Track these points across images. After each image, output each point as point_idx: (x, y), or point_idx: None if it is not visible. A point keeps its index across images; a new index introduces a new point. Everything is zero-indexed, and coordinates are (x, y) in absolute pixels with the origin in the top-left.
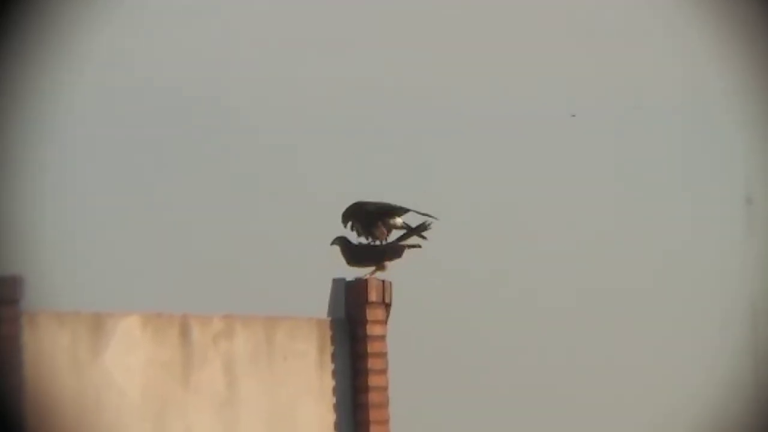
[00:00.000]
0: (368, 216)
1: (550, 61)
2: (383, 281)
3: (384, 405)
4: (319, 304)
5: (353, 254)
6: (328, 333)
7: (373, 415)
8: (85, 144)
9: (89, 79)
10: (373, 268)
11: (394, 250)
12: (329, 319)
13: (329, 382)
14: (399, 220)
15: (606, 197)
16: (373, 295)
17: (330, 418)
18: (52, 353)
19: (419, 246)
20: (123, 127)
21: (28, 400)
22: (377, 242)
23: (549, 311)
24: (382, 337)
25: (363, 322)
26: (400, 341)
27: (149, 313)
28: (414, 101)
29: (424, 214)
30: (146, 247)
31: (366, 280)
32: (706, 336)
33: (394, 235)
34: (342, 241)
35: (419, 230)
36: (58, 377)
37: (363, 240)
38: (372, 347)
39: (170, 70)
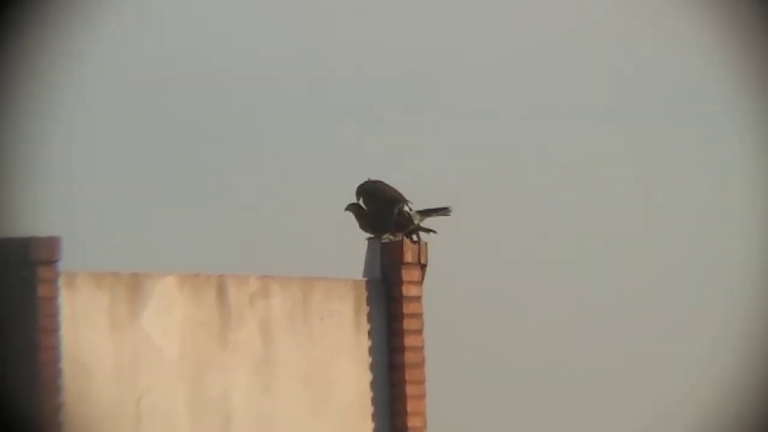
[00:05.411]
0: (383, 205)
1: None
2: (419, 242)
3: (420, 365)
4: (355, 264)
5: (366, 222)
6: (364, 293)
7: (409, 374)
8: (122, 107)
9: (123, 43)
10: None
11: (403, 225)
12: (365, 279)
13: (365, 342)
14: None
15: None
16: (409, 256)
17: (366, 377)
18: (90, 314)
19: (435, 231)
20: (160, 91)
21: (66, 361)
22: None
23: (579, 275)
24: (418, 298)
25: (399, 282)
26: (436, 301)
27: (186, 274)
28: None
29: (441, 209)
30: (183, 207)
31: (402, 241)
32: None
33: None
34: (356, 208)
35: (441, 212)
36: (96, 338)
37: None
38: (408, 308)
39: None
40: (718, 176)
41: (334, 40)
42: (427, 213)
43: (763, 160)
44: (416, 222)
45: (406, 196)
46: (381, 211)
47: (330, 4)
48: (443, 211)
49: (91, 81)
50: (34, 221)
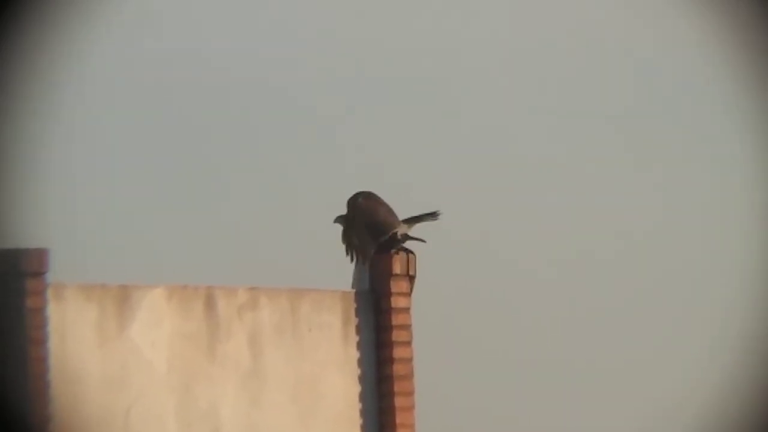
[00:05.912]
0: (365, 230)
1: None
2: (407, 253)
3: (408, 377)
4: (343, 276)
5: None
6: (353, 305)
7: (398, 386)
8: (122, 107)
9: (123, 43)
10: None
11: (390, 243)
12: (353, 291)
13: (354, 354)
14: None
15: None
16: (397, 268)
17: (355, 389)
18: (78, 326)
19: (424, 240)
20: (160, 91)
21: (54, 373)
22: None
23: (578, 275)
24: (407, 309)
25: (387, 294)
26: (424, 313)
27: (174, 286)
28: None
29: (429, 215)
30: (171, 219)
31: (390, 252)
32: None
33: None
34: (345, 221)
35: (429, 217)
36: (84, 350)
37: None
38: (396, 319)
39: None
40: (718, 176)
41: (334, 40)
42: (414, 220)
43: (763, 160)
44: (401, 233)
45: (396, 211)
46: (370, 231)
47: (330, 4)
48: (431, 216)
49: (91, 81)
50: (32, 221)
